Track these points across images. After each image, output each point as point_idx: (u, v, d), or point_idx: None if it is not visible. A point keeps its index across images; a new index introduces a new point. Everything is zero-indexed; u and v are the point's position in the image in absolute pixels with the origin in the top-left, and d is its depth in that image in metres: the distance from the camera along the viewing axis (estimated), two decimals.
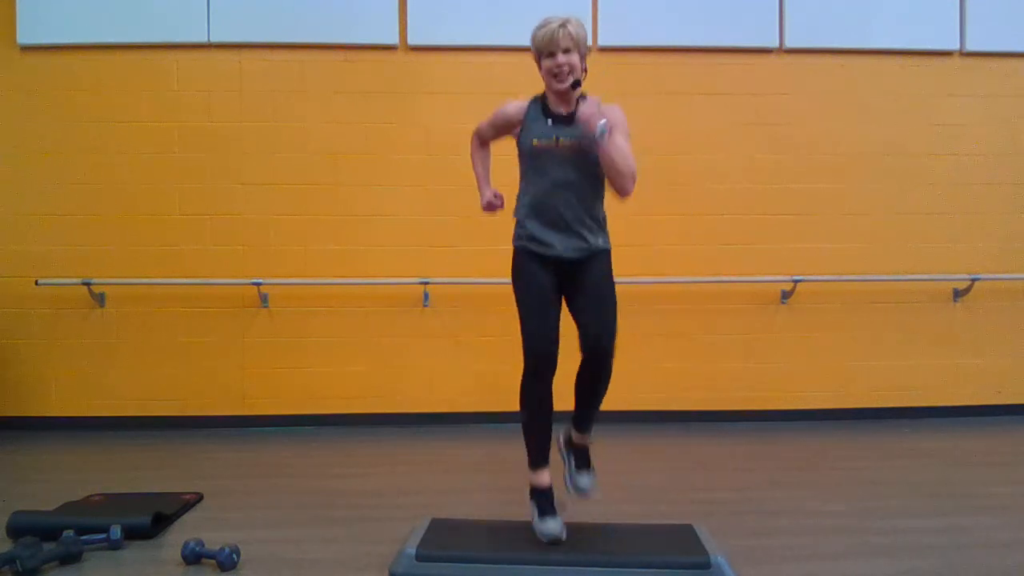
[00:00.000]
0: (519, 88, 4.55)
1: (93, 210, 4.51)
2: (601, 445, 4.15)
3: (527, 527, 2.74)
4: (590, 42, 4.51)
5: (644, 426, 4.53)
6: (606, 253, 2.57)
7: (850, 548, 2.61)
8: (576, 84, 2.48)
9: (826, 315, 4.72)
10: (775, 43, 4.66)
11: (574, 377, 2.57)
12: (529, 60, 4.63)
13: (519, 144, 2.57)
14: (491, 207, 2.62)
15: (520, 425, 2.61)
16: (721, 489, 3.32)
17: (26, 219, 4.51)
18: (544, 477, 2.60)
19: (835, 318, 4.72)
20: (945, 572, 2.42)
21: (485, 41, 4.57)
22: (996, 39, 4.70)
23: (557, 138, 2.47)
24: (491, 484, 3.39)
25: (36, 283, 4.43)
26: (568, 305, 2.56)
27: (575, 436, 2.70)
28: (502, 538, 2.58)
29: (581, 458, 2.70)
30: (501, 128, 2.65)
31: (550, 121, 2.52)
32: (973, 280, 4.66)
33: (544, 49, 2.46)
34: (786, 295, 4.69)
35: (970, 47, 4.69)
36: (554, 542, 2.47)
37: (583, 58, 2.50)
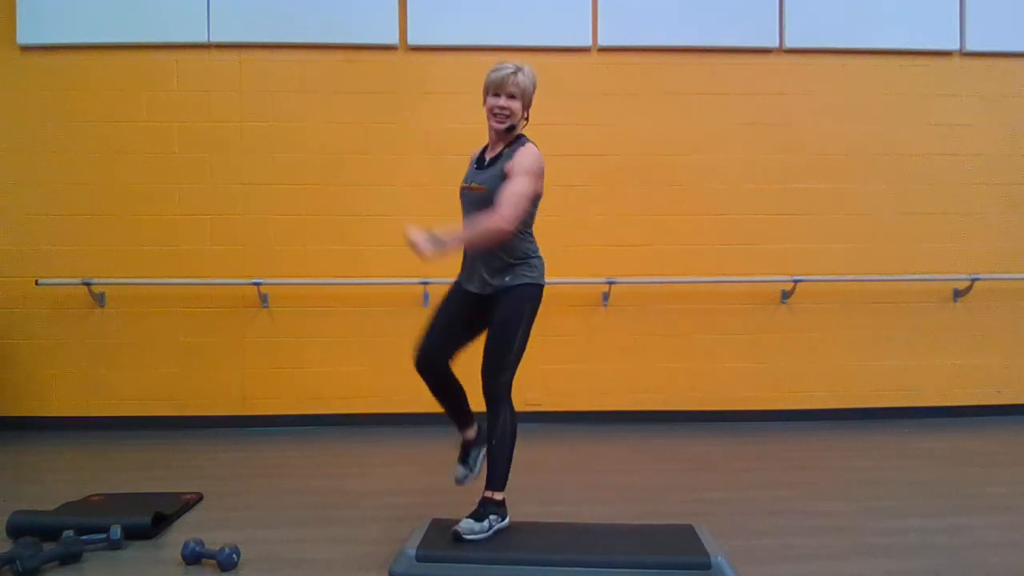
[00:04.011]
0: None
1: (93, 210, 4.51)
2: (602, 445, 4.16)
3: (527, 527, 2.74)
4: (589, 43, 4.56)
5: (644, 426, 4.53)
6: (513, 290, 2.62)
7: (850, 548, 2.61)
8: (511, 128, 2.65)
9: (826, 315, 4.72)
10: (775, 43, 4.66)
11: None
12: (528, 60, 4.63)
13: None
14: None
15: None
16: (721, 489, 3.32)
17: (26, 219, 4.51)
18: (467, 433, 2.90)
19: (835, 318, 4.72)
20: (945, 572, 2.42)
21: (485, 41, 4.55)
22: (996, 39, 4.69)
23: (471, 183, 2.68)
24: None
25: (36, 283, 4.43)
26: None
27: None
28: (502, 538, 2.58)
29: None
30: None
31: (475, 166, 2.73)
32: (973, 280, 4.66)
33: (491, 89, 2.64)
34: (786, 295, 4.69)
35: (970, 47, 4.68)
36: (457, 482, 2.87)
37: (526, 107, 2.67)
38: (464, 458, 2.91)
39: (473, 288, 2.68)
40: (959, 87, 4.73)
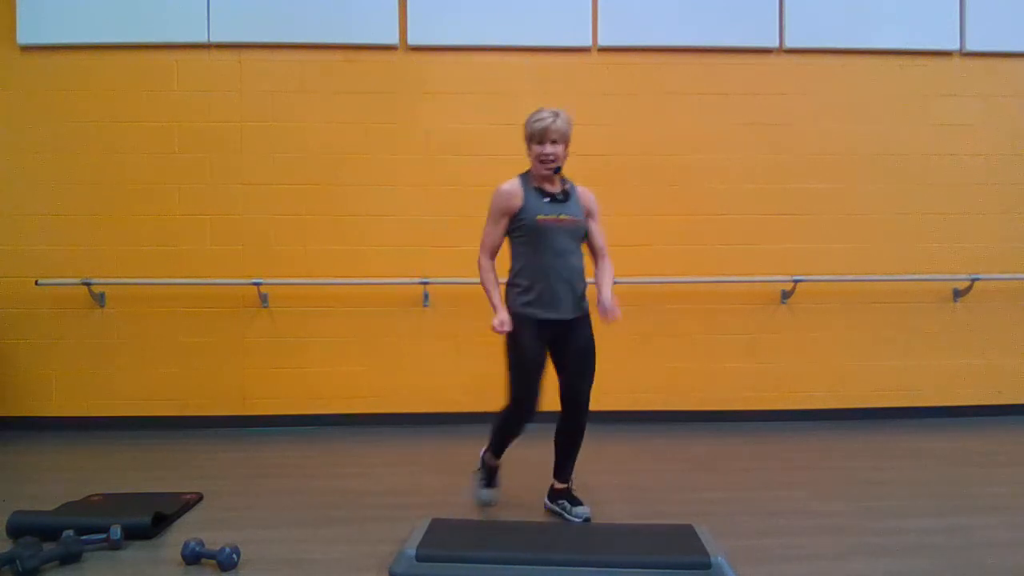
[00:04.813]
0: (518, 88, 4.58)
1: (93, 210, 4.51)
2: (602, 445, 4.16)
3: (527, 527, 2.75)
4: (589, 43, 4.57)
5: (644, 426, 4.53)
6: (587, 315, 2.96)
7: (850, 548, 2.61)
8: (558, 170, 2.86)
9: (826, 315, 4.72)
10: (775, 43, 4.66)
11: None
12: (528, 60, 4.68)
13: (521, 220, 2.85)
14: (505, 327, 2.82)
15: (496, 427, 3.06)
16: (721, 489, 3.32)
17: (26, 219, 4.51)
18: (497, 461, 3.14)
19: (835, 318, 4.72)
20: (945, 572, 2.42)
21: (485, 41, 4.56)
22: (996, 39, 4.69)
23: (559, 215, 2.85)
24: None
25: (36, 283, 4.43)
26: (552, 358, 2.93)
27: (557, 485, 3.05)
28: (502, 538, 2.58)
29: (571, 499, 3.00)
30: (506, 216, 2.89)
31: (548, 199, 2.87)
32: (973, 280, 4.66)
33: (536, 138, 2.84)
34: (786, 295, 4.69)
35: (970, 47, 4.69)
36: (486, 505, 3.05)
37: (566, 147, 2.88)
38: (491, 483, 3.15)
39: (555, 315, 2.86)
40: (959, 87, 4.73)
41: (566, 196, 2.91)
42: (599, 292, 2.87)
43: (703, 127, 4.67)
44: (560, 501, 2.99)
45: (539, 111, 2.85)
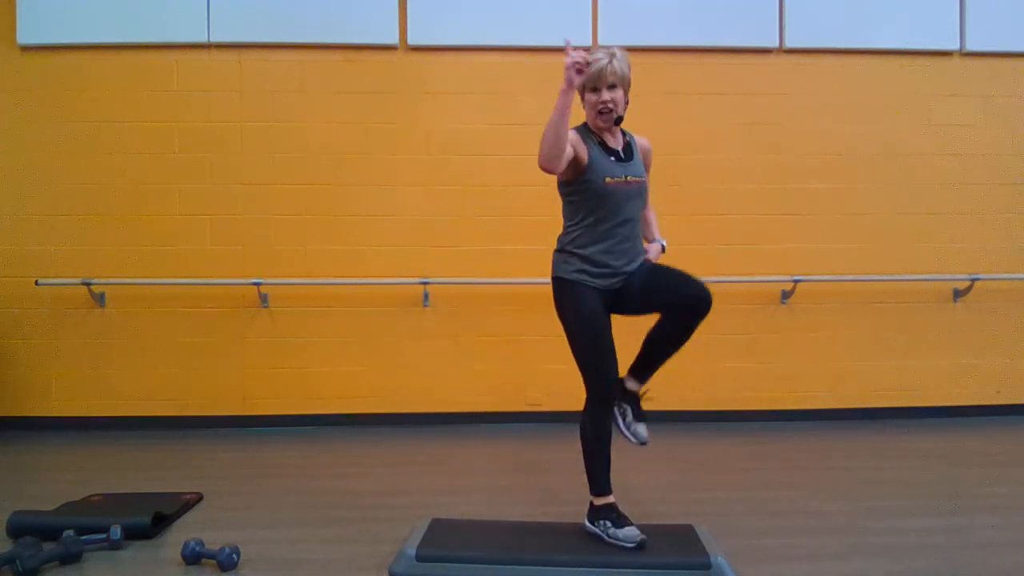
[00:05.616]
0: (518, 88, 4.57)
1: (93, 210, 4.51)
2: None
3: (527, 527, 2.74)
4: (589, 43, 4.55)
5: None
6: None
7: (850, 548, 2.61)
8: (619, 120, 2.51)
9: (826, 315, 4.72)
10: (775, 43, 4.66)
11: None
12: (528, 60, 4.67)
13: (587, 181, 2.48)
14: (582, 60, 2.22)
15: (587, 452, 2.63)
16: (721, 489, 3.32)
17: (26, 219, 4.51)
18: (611, 498, 2.61)
19: (835, 318, 4.72)
20: (945, 572, 2.42)
21: (485, 41, 4.56)
22: (996, 39, 4.69)
23: (626, 176, 2.51)
24: (491, 484, 3.40)
25: (36, 283, 4.43)
26: (632, 307, 2.63)
27: (631, 385, 2.64)
28: (502, 538, 2.58)
29: (638, 408, 2.62)
30: (576, 146, 2.47)
31: (613, 158, 2.53)
32: (973, 280, 4.66)
33: (589, 84, 2.47)
34: (786, 295, 4.69)
35: (970, 47, 4.69)
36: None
37: (626, 92, 2.53)
38: (618, 520, 2.58)
39: (626, 268, 2.57)
40: (959, 87, 4.73)
41: (629, 152, 2.57)
42: (650, 240, 2.71)
43: (703, 127, 4.67)
44: (624, 406, 2.60)
45: (592, 54, 2.41)
